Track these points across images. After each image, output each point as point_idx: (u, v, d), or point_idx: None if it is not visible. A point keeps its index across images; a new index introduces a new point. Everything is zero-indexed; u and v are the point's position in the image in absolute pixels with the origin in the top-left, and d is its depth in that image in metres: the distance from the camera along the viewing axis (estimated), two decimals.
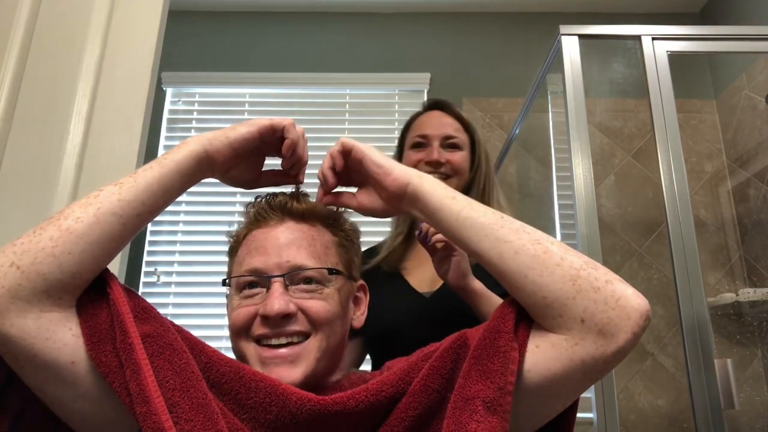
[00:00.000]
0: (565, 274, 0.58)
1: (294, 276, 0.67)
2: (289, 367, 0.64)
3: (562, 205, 2.22)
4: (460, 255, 0.92)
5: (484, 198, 1.14)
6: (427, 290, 1.06)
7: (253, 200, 0.76)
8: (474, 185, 1.14)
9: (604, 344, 0.56)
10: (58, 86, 1.08)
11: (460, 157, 1.13)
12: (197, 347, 0.64)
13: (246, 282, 0.69)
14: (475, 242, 0.63)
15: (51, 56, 1.10)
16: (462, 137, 1.15)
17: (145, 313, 0.61)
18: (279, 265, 0.67)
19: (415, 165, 1.12)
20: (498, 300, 0.95)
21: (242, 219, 0.76)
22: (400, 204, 0.70)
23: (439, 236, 0.90)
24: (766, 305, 1.94)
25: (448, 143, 1.13)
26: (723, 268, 2.17)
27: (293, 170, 0.75)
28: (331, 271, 0.70)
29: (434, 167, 1.11)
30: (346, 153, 0.72)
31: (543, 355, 0.58)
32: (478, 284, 0.94)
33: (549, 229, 2.20)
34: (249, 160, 0.73)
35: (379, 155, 0.71)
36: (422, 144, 1.14)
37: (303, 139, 0.73)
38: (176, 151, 0.65)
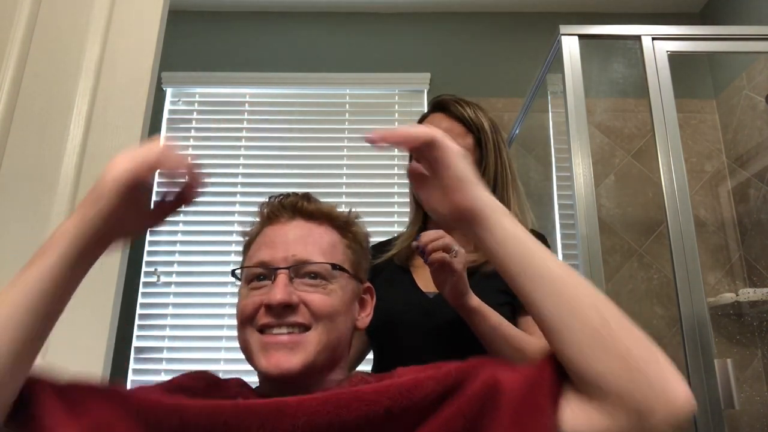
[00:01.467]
0: (618, 353, 0.55)
1: (299, 269, 0.70)
2: (288, 354, 0.66)
3: (562, 205, 2.22)
4: (459, 276, 0.90)
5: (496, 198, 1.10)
6: (432, 291, 1.06)
7: (266, 200, 0.79)
8: None
9: (638, 423, 0.53)
10: (58, 86, 1.08)
11: None
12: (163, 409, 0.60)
13: (254, 274, 0.72)
14: (537, 295, 0.59)
15: (51, 56, 1.10)
16: (462, 142, 1.09)
17: (83, 406, 0.58)
18: (285, 258, 0.70)
19: None
20: (495, 315, 0.94)
21: (256, 219, 0.79)
22: (460, 224, 0.65)
23: (436, 255, 0.88)
24: (766, 305, 1.94)
25: None
26: (723, 268, 2.17)
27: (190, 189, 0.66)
28: (335, 267, 0.72)
29: None
30: (428, 146, 0.63)
31: (576, 421, 0.56)
32: (475, 301, 0.93)
33: (549, 229, 2.20)
34: (131, 208, 0.61)
35: (463, 167, 0.64)
36: None
37: (176, 157, 0.61)
38: (52, 248, 0.58)
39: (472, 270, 1.01)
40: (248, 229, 0.79)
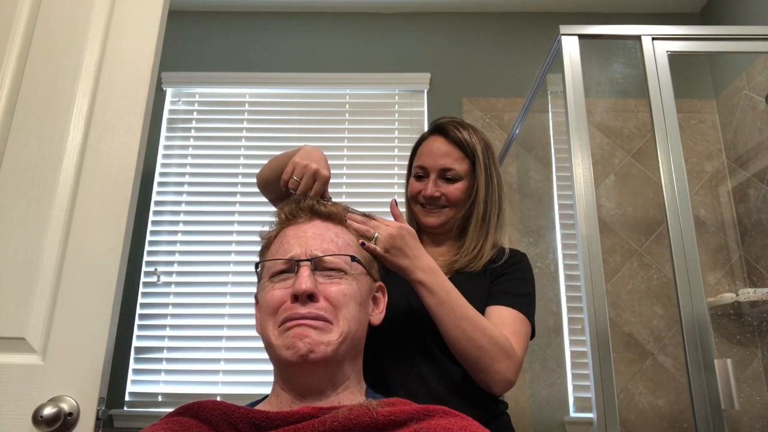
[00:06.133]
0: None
1: (319, 263, 0.76)
2: (315, 333, 0.71)
3: (562, 205, 2.22)
4: (383, 257, 0.91)
5: (483, 225, 1.14)
6: None
7: (283, 205, 0.87)
8: (473, 214, 1.15)
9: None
10: (58, 86, 1.08)
11: (454, 190, 1.14)
12: None
13: (278, 269, 0.77)
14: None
15: (51, 56, 1.10)
16: (460, 168, 1.14)
17: None
18: (305, 252, 0.77)
19: (416, 195, 1.17)
20: (444, 292, 0.94)
21: (274, 221, 0.86)
22: None
23: (365, 244, 0.88)
24: (766, 305, 1.94)
25: (446, 176, 1.14)
26: (723, 268, 2.17)
27: None
28: (354, 259, 0.79)
29: (430, 201, 1.15)
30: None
31: None
32: (421, 276, 0.94)
33: (549, 230, 2.20)
34: None
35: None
36: (422, 175, 1.17)
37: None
38: None
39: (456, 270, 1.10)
40: (265, 230, 0.86)
